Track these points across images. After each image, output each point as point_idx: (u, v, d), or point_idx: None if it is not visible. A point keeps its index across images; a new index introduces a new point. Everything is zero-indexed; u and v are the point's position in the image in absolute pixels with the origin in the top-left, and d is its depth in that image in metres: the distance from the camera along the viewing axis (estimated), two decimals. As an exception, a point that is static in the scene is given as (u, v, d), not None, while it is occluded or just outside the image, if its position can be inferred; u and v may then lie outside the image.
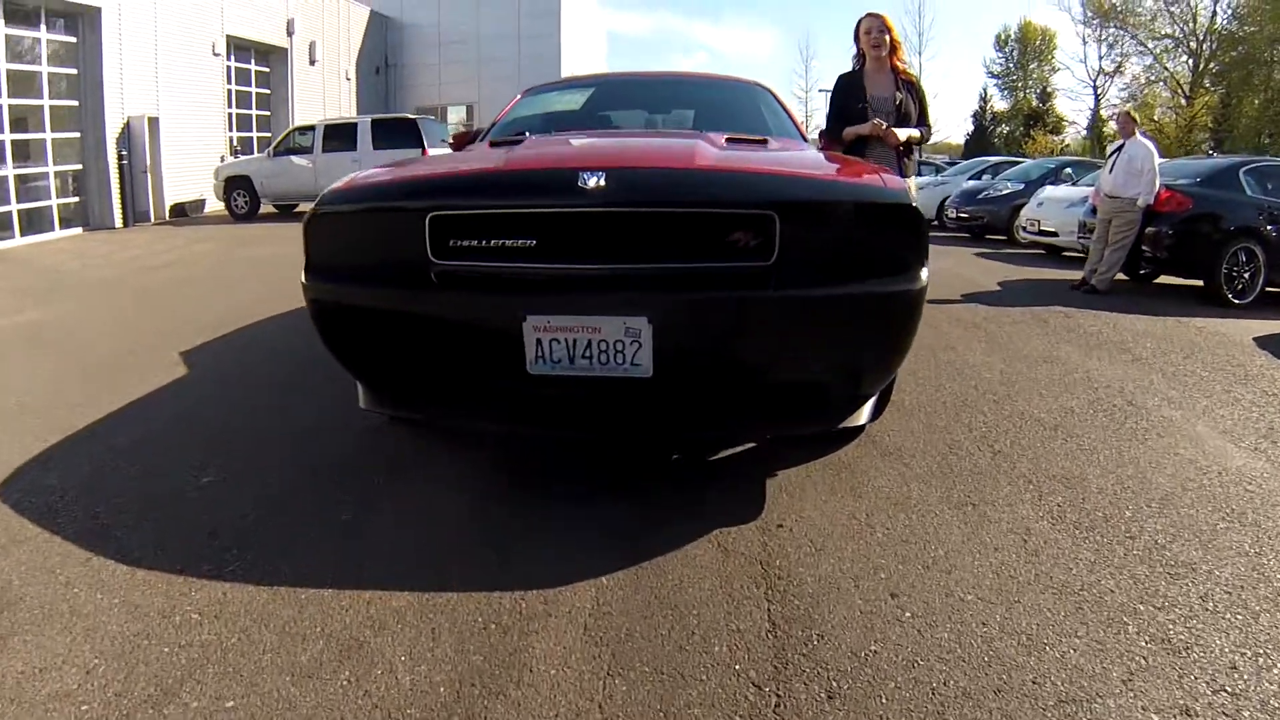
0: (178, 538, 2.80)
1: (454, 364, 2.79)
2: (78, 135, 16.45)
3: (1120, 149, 9.08)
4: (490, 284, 2.61)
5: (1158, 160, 8.83)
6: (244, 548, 2.72)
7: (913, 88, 4.86)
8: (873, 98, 4.74)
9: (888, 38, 4.79)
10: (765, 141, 3.65)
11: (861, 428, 3.34)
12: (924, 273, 2.62)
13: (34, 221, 15.32)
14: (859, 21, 4.88)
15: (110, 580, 2.53)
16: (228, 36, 21.13)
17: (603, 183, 2.47)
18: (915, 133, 4.82)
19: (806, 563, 2.61)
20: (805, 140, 4.56)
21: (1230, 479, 3.46)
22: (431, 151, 16.20)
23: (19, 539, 2.82)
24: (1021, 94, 51.35)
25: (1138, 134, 9.00)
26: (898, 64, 4.87)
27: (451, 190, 2.75)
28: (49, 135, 15.65)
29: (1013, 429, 3.97)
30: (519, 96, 5.28)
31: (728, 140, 3.37)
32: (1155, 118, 37.44)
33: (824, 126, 5.07)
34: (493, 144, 3.82)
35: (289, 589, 2.46)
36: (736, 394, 2.74)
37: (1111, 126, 37.76)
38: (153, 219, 17.41)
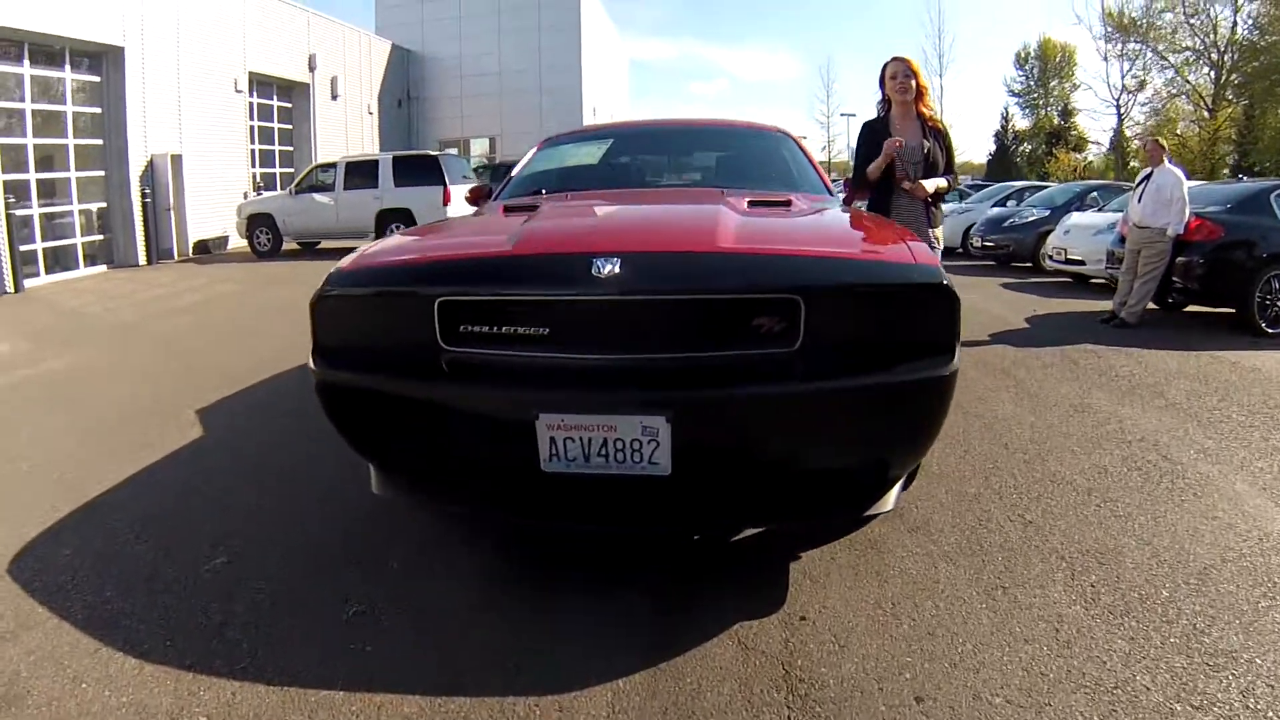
0: (188, 628, 2.75)
1: (466, 456, 2.72)
2: (102, 173, 16.73)
3: (1148, 177, 8.91)
4: (502, 377, 2.54)
5: (1187, 188, 8.66)
6: (255, 641, 2.66)
7: (940, 135, 4.76)
8: (903, 146, 4.64)
9: (914, 83, 4.68)
10: (789, 203, 3.59)
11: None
12: (957, 354, 2.53)
13: (60, 259, 15.59)
14: (884, 66, 4.78)
15: (119, 675, 2.48)
16: (250, 73, 21.40)
17: (617, 269, 2.40)
18: (943, 183, 4.73)
19: (829, 661, 2.51)
20: (830, 192, 4.48)
21: (1271, 546, 3.34)
22: (453, 189, 16.26)
23: (29, 623, 2.79)
24: (1043, 112, 51.15)
25: (1166, 161, 8.83)
26: (924, 110, 4.76)
27: (460, 275, 2.68)
28: (73, 174, 15.93)
29: (1045, 494, 3.85)
30: (536, 148, 5.24)
31: (750, 204, 3.31)
32: (1178, 131, 37.12)
33: (851, 173, 4.98)
34: (507, 209, 3.75)
35: (300, 690, 2.39)
36: (758, 487, 2.65)
37: (1135, 144, 37.49)
38: (176, 256, 17.61)
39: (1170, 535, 3.42)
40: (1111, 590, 2.94)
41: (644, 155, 5.19)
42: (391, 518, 3.57)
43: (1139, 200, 8.88)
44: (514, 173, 4.98)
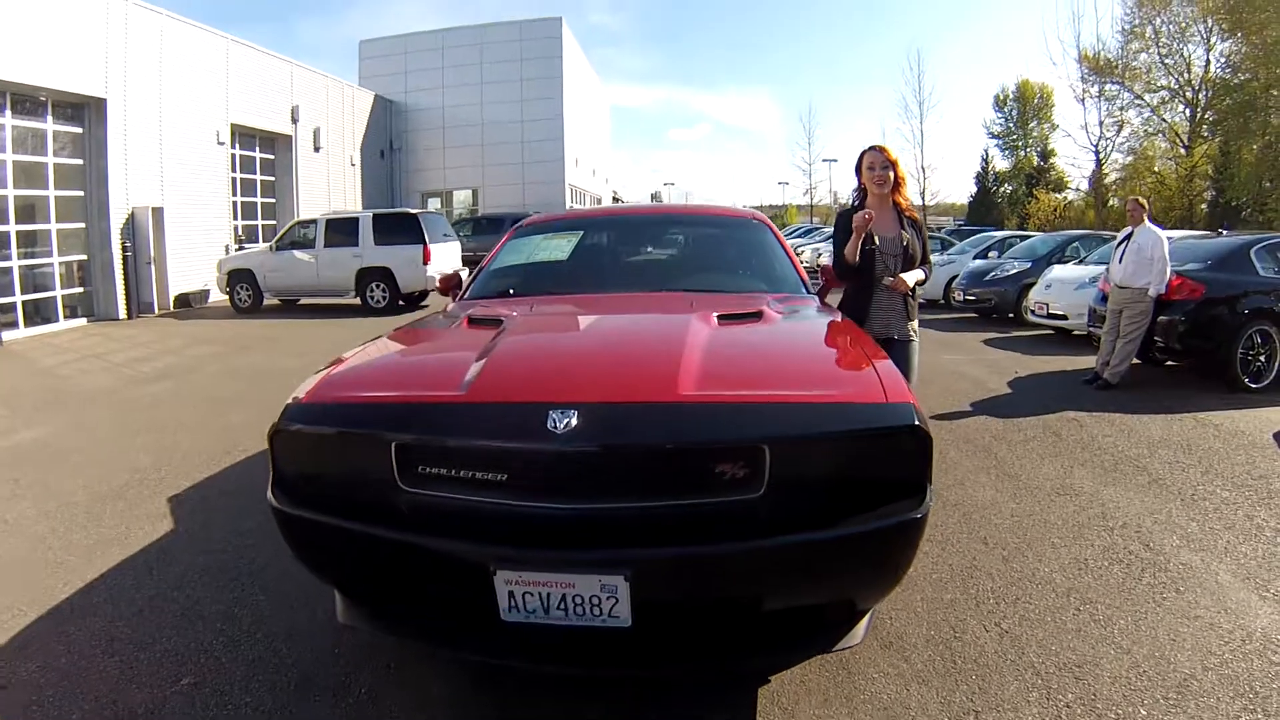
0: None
1: (426, 598, 2.66)
2: (83, 225, 16.74)
3: (1129, 237, 8.93)
4: (460, 527, 2.48)
5: (1168, 247, 8.68)
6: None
7: (916, 225, 4.65)
8: (881, 239, 4.51)
9: (892, 174, 4.54)
10: (761, 314, 3.56)
11: None
12: (929, 494, 2.48)
13: (40, 310, 15.64)
14: (861, 155, 4.64)
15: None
16: (232, 125, 21.52)
17: (574, 422, 2.37)
18: (921, 274, 4.64)
19: (795, 810, 2.43)
20: (806, 286, 4.47)
21: (1254, 649, 3.29)
22: (433, 248, 16.32)
23: (-6, 749, 2.71)
24: (1022, 153, 51.74)
25: (1146, 221, 8.85)
26: (900, 200, 4.64)
27: (416, 421, 2.64)
28: (54, 226, 15.96)
29: (1022, 597, 3.77)
30: (508, 235, 5.23)
31: (719, 319, 3.31)
32: (1156, 169, 37.49)
33: (832, 257, 4.87)
34: (472, 321, 3.71)
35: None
36: (722, 633, 2.60)
37: (1114, 183, 37.81)
38: (157, 310, 17.57)
39: (1150, 641, 3.36)
40: (1088, 710, 2.87)
41: (614, 250, 5.14)
42: (360, 634, 3.44)
43: (1120, 260, 8.89)
44: (485, 263, 4.98)
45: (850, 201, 4.80)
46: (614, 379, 2.77)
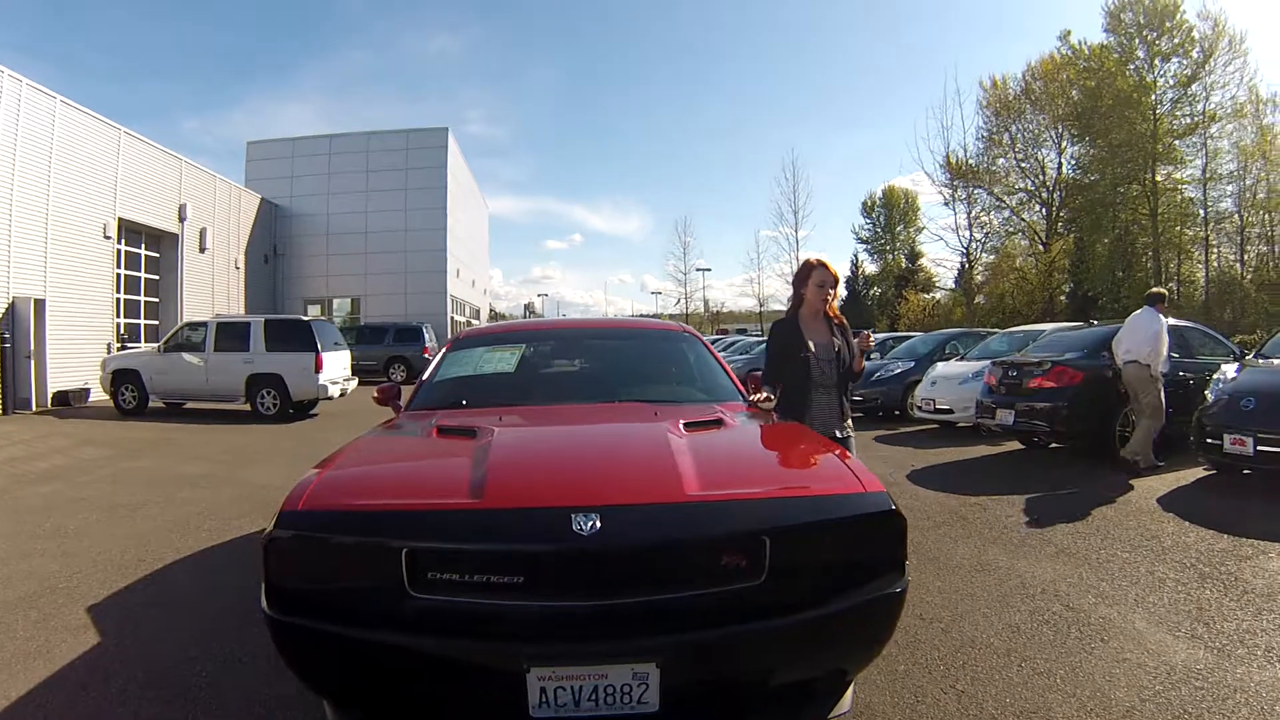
0: None
1: (443, 703, 2.64)
2: (-42, 316, 15.95)
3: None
4: (486, 628, 2.49)
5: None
6: None
7: (844, 330, 4.98)
8: (817, 345, 4.81)
9: (833, 292, 4.92)
10: (721, 421, 3.78)
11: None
12: (906, 570, 2.76)
13: (-92, 400, 14.68)
14: (810, 269, 4.93)
15: None
16: (119, 219, 21.12)
17: (598, 524, 2.48)
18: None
19: None
20: (744, 395, 4.62)
21: (1179, 678, 3.70)
22: (325, 356, 16.24)
23: None
24: (890, 256, 54.46)
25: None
26: (831, 311, 4.97)
27: (430, 529, 2.62)
28: (-73, 315, 15.16)
29: (968, 661, 3.98)
30: (446, 348, 5.24)
31: (685, 426, 3.49)
32: (1018, 265, 39.73)
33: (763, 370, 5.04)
34: (441, 430, 3.71)
35: None
36: (734, 708, 2.73)
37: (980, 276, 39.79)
38: (34, 407, 16.86)
39: (1090, 684, 3.66)
40: (1049, 754, 3.05)
41: (560, 363, 5.28)
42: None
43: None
44: (425, 376, 4.95)
45: (789, 309, 5.09)
46: (625, 483, 2.89)
